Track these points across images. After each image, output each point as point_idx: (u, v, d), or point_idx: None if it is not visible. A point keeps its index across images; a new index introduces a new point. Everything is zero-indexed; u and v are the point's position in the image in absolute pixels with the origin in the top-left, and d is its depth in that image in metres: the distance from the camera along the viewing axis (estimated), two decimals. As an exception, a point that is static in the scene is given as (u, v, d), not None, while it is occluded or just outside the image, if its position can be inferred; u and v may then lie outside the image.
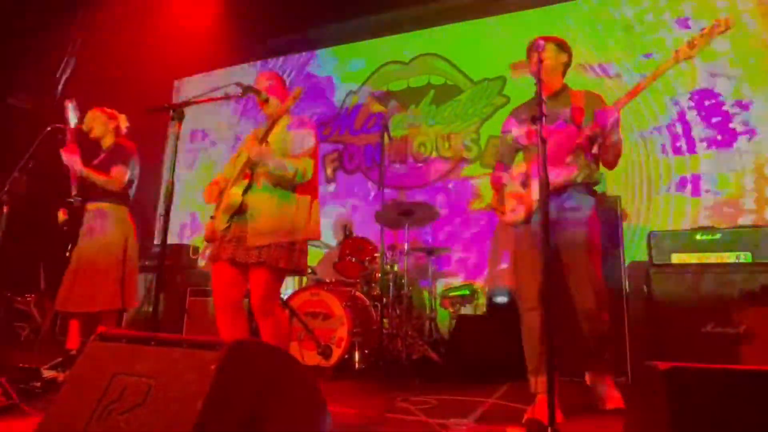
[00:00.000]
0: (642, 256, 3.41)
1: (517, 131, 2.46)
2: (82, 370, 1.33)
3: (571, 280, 2.25)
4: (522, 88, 4.79)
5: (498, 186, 2.48)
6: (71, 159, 2.93)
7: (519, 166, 2.43)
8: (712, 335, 2.83)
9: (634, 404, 1.27)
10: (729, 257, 2.91)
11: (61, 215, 3.06)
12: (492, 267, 4.55)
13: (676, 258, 3.04)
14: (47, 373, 2.52)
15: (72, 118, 2.99)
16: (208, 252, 2.34)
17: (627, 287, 3.29)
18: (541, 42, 2.06)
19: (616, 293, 3.09)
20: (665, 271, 3.03)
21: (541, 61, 2.02)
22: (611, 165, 2.34)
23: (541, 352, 2.15)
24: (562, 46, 2.43)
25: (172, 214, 2.07)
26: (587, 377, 2.45)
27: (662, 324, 2.97)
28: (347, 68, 5.71)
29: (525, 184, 2.33)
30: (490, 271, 4.55)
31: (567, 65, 2.46)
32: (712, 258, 2.95)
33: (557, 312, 2.21)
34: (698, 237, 3.02)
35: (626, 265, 3.38)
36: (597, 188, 2.42)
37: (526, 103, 2.54)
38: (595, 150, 2.32)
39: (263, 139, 2.21)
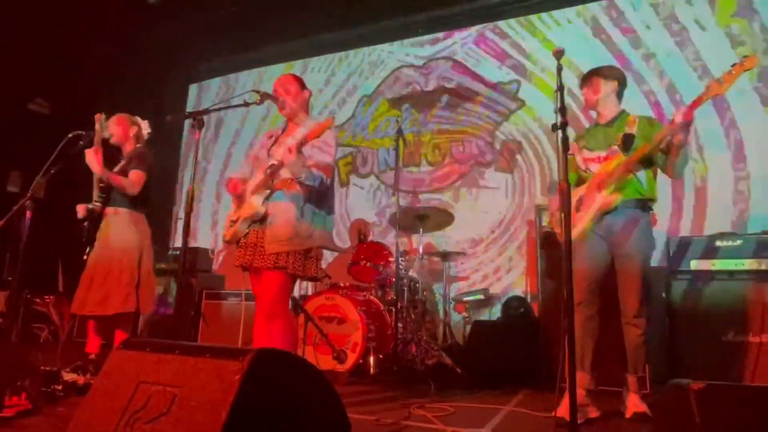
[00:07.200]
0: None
1: (577, 156, 2.61)
2: (108, 378, 1.35)
3: (620, 286, 2.41)
4: (537, 92, 4.77)
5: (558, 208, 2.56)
6: (92, 161, 2.95)
7: (576, 191, 2.52)
8: (733, 344, 2.79)
9: (664, 424, 1.25)
10: (750, 264, 2.87)
11: (81, 211, 3.11)
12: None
13: (696, 265, 3.00)
14: (68, 376, 2.55)
15: (102, 131, 3.03)
16: (222, 256, 2.35)
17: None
18: (587, 78, 2.46)
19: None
20: (684, 278, 2.99)
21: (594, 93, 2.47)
22: (676, 170, 2.36)
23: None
24: (609, 74, 2.56)
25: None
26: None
27: (682, 332, 2.93)
28: (361, 72, 5.73)
29: (578, 207, 2.46)
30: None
31: (620, 90, 2.58)
32: (732, 265, 2.90)
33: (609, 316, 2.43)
34: (718, 243, 2.97)
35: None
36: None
37: (586, 130, 2.75)
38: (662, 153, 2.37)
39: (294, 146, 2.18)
